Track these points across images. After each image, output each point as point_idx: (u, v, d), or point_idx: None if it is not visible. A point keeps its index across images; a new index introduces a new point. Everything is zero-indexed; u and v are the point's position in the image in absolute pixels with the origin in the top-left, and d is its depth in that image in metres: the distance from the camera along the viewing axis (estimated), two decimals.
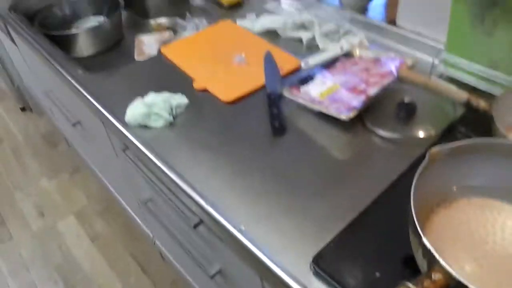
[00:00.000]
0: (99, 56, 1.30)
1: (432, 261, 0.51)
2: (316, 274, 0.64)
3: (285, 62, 1.10)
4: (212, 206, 0.77)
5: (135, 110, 0.95)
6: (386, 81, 0.93)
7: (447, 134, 0.84)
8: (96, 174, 1.88)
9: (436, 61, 0.95)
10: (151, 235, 1.58)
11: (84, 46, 1.28)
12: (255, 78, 1.05)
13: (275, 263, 0.67)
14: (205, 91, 1.04)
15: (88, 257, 1.86)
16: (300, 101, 0.93)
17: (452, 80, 0.94)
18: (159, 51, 1.21)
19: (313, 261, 0.65)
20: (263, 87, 1.03)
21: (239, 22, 1.29)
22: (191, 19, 1.33)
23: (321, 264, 0.64)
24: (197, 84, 1.06)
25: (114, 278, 1.77)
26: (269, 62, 1.08)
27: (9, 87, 2.54)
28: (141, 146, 0.92)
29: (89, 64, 1.24)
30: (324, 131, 0.89)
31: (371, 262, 0.64)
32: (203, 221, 0.86)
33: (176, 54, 1.18)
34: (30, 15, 1.46)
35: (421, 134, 0.85)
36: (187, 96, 1.02)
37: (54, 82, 1.38)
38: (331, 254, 0.66)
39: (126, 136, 0.96)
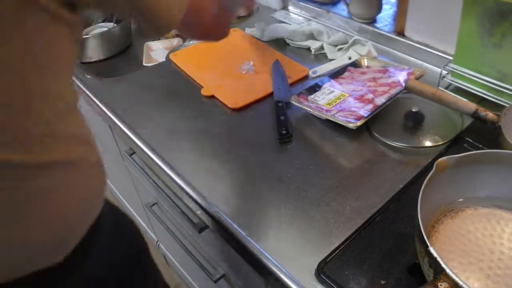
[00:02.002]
0: (107, 62, 1.31)
1: (438, 270, 0.51)
2: (321, 280, 0.63)
3: (293, 70, 1.10)
4: (218, 211, 0.77)
5: None
6: (393, 91, 0.93)
7: (455, 144, 0.84)
8: None
9: (444, 72, 0.96)
10: (155, 239, 1.58)
11: (93, 51, 1.30)
12: (263, 86, 1.06)
13: (280, 269, 0.67)
14: (213, 98, 1.05)
15: None
16: (308, 109, 0.94)
17: (460, 91, 0.94)
18: (167, 58, 1.22)
19: (318, 267, 0.65)
20: (270, 95, 1.03)
21: (248, 30, 1.30)
22: None
23: (326, 271, 0.64)
24: (205, 91, 1.06)
25: None
26: (277, 70, 1.09)
27: None
28: (148, 151, 0.92)
29: (97, 69, 1.25)
30: (331, 139, 0.90)
31: (376, 269, 0.64)
32: (208, 226, 0.86)
33: (184, 61, 1.19)
34: None
35: (428, 143, 0.85)
36: (195, 103, 1.02)
37: None
38: (336, 261, 0.66)
39: (133, 141, 0.97)
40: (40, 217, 0.55)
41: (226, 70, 1.14)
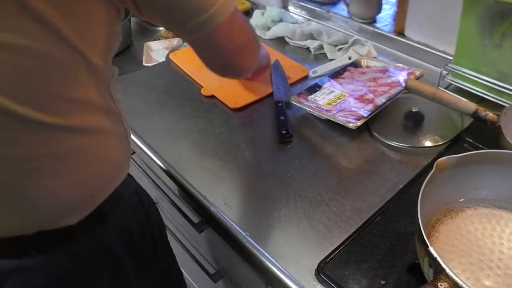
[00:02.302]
0: None
1: (438, 270, 0.51)
2: (321, 281, 0.63)
3: (293, 70, 1.10)
4: (218, 211, 0.77)
5: None
6: (393, 91, 0.93)
7: (455, 144, 0.84)
8: None
9: (444, 72, 0.96)
10: None
11: None
12: (263, 86, 1.06)
13: (280, 269, 0.67)
14: (213, 98, 1.05)
15: None
16: (308, 109, 0.94)
17: (460, 91, 0.94)
18: (167, 58, 1.22)
19: (318, 268, 0.65)
20: (270, 95, 1.03)
21: None
22: None
23: (326, 271, 0.64)
24: (205, 91, 1.06)
25: None
26: (277, 70, 1.09)
27: None
28: (148, 151, 0.92)
29: None
30: (331, 139, 0.90)
31: (376, 269, 0.64)
32: (209, 226, 0.86)
33: (184, 61, 1.19)
34: None
35: (428, 143, 0.85)
36: (195, 103, 1.02)
37: None
38: (336, 261, 0.66)
39: (133, 141, 0.97)
40: (62, 176, 0.58)
41: None
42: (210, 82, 1.09)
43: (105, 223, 0.67)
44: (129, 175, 0.76)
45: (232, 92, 1.04)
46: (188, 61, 1.19)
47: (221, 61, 0.69)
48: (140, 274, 0.79)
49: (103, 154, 0.63)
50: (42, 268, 0.63)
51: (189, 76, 1.13)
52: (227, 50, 0.66)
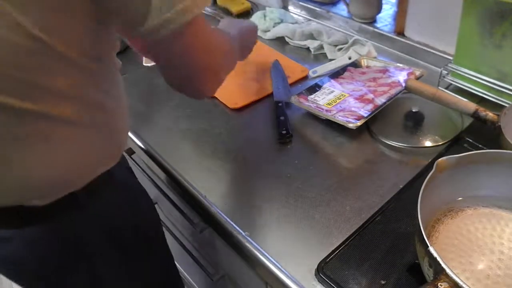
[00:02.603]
0: None
1: (438, 270, 0.51)
2: (321, 280, 0.63)
3: (293, 70, 1.10)
4: (218, 211, 0.77)
5: None
6: (393, 91, 0.93)
7: (455, 144, 0.84)
8: None
9: (444, 72, 0.96)
10: None
11: None
12: (263, 86, 1.06)
13: (280, 270, 0.67)
14: (213, 98, 1.04)
15: None
16: (308, 109, 0.94)
17: (460, 91, 0.94)
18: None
19: (318, 268, 0.65)
20: (270, 95, 1.03)
21: None
22: None
23: (326, 271, 0.64)
24: None
25: None
26: (277, 70, 1.09)
27: None
28: (148, 151, 0.92)
29: None
30: (331, 139, 0.90)
31: (376, 269, 0.64)
32: (209, 226, 0.86)
33: None
34: None
35: (428, 143, 0.85)
36: (195, 103, 1.02)
37: None
38: (336, 261, 0.66)
39: (133, 141, 0.97)
40: (26, 158, 0.59)
41: None
42: None
43: (81, 211, 0.68)
44: (131, 171, 0.78)
45: (232, 92, 1.04)
46: None
47: (179, 74, 0.67)
48: (130, 270, 0.81)
49: (73, 144, 0.62)
50: (9, 240, 0.67)
51: None
52: (187, 59, 0.63)
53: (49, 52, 0.54)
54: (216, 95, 1.04)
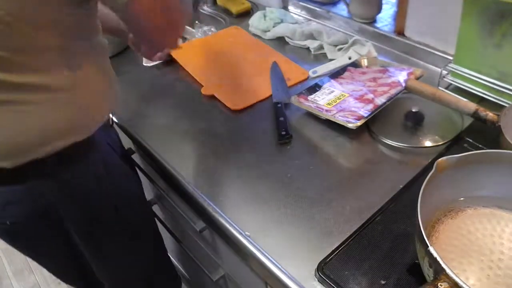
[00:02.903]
0: None
1: (438, 270, 0.51)
2: (321, 281, 0.63)
3: (293, 72, 1.10)
4: (218, 211, 0.77)
5: None
6: (394, 91, 0.93)
7: (455, 144, 0.84)
8: None
9: (444, 72, 0.96)
10: None
11: None
12: (263, 86, 1.06)
13: (280, 270, 0.67)
14: (213, 97, 1.04)
15: None
16: (308, 109, 0.94)
17: (460, 91, 0.94)
18: (168, 56, 1.21)
19: (318, 268, 0.65)
20: (270, 96, 1.03)
21: (251, 28, 1.30)
22: (200, 27, 1.34)
23: (326, 271, 0.64)
24: (205, 90, 1.06)
25: None
26: (275, 71, 1.09)
27: None
28: (148, 151, 0.92)
29: None
30: (331, 139, 0.90)
31: (376, 269, 0.64)
32: (209, 226, 0.86)
33: (185, 57, 1.19)
34: None
35: (428, 143, 0.85)
36: (195, 103, 1.02)
37: None
38: (336, 261, 0.66)
39: (133, 141, 0.97)
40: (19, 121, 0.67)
41: (227, 69, 1.14)
42: (211, 82, 1.09)
43: (50, 178, 0.75)
44: (114, 149, 0.85)
45: (232, 93, 1.04)
46: (188, 57, 1.18)
47: (141, 33, 0.75)
48: (108, 249, 0.89)
49: (38, 113, 0.68)
50: None
51: (189, 75, 1.13)
52: (142, 20, 0.68)
53: (19, 33, 0.60)
54: (216, 95, 1.04)
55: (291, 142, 0.90)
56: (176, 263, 1.48)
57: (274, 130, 0.92)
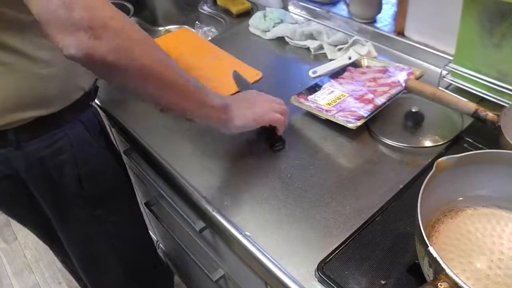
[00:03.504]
0: None
1: (438, 270, 0.51)
2: (321, 281, 0.64)
3: (247, 73, 1.09)
4: (218, 211, 0.77)
5: None
6: (393, 91, 0.93)
7: (454, 144, 0.84)
8: None
9: (444, 72, 0.96)
10: (155, 239, 1.58)
11: None
12: (229, 84, 1.06)
13: (280, 270, 0.67)
14: None
15: None
16: (308, 109, 0.94)
17: (460, 91, 0.94)
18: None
19: (318, 268, 0.65)
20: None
21: (251, 28, 1.30)
22: (200, 27, 1.34)
23: (326, 271, 0.64)
24: None
25: None
26: (240, 80, 1.07)
27: None
28: (148, 151, 0.92)
29: None
30: (331, 139, 0.90)
31: (376, 269, 0.64)
32: (209, 226, 0.86)
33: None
34: None
35: (428, 143, 0.85)
36: None
37: None
38: (336, 261, 0.66)
39: (133, 141, 0.97)
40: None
41: (192, 72, 1.14)
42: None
43: (13, 148, 0.80)
44: (85, 127, 0.88)
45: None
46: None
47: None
48: (78, 221, 0.93)
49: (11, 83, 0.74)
50: None
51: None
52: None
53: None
54: None
55: (290, 143, 0.90)
56: (176, 263, 1.48)
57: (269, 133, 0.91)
